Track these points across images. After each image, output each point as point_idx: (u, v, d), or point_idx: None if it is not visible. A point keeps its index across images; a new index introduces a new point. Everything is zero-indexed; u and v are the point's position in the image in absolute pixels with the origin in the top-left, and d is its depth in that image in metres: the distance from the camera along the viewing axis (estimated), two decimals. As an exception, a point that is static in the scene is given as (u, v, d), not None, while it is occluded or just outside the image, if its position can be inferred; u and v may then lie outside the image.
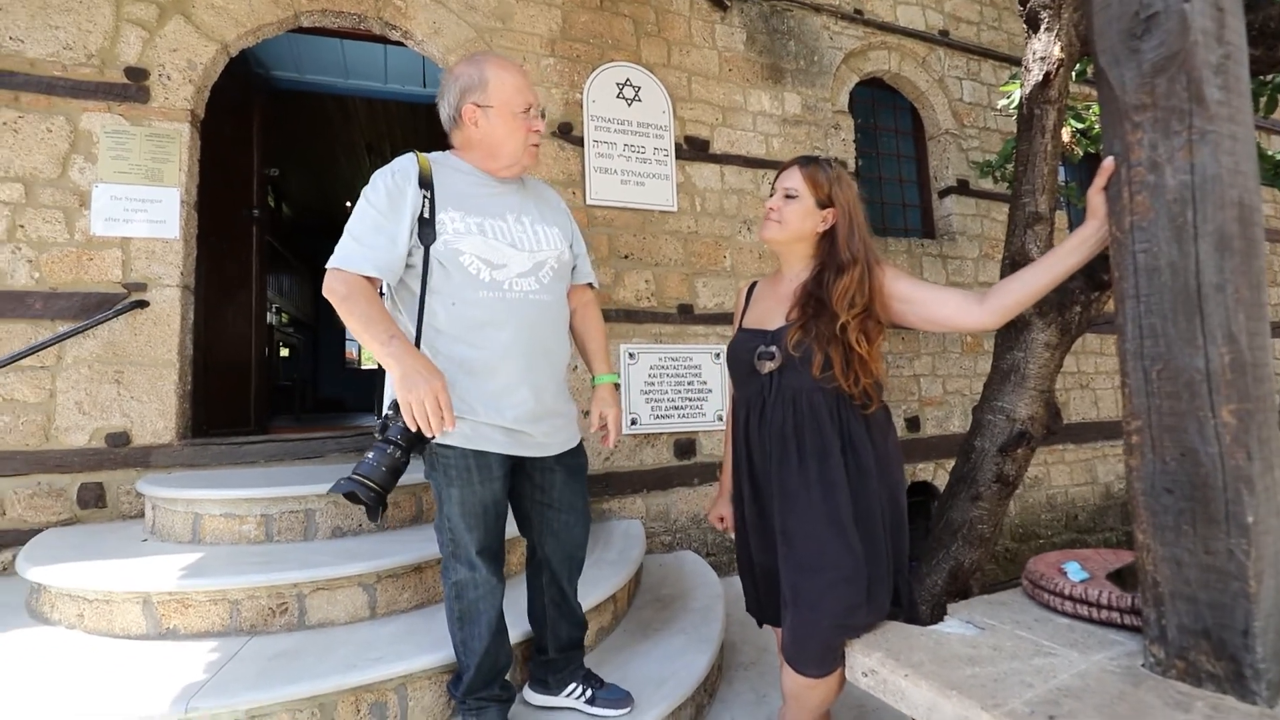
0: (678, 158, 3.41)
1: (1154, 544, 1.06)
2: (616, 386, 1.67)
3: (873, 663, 1.21)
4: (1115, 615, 1.23)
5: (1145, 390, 1.07)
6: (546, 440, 1.49)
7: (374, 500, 1.24)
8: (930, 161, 4.23)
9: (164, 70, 2.63)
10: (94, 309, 2.46)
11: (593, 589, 2.08)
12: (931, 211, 4.23)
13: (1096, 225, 1.19)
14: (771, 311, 1.54)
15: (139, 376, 2.52)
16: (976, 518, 2.89)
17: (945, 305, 1.40)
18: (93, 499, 2.42)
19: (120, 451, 2.46)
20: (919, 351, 3.87)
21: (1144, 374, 1.07)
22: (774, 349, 1.46)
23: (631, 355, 3.22)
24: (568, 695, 1.60)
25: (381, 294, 1.40)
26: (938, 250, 3.99)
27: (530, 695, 1.65)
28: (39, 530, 2.33)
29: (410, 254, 1.38)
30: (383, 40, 3.13)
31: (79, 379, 2.45)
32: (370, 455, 1.27)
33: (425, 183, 1.39)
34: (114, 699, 1.42)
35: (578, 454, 1.61)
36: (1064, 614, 1.31)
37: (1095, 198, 1.17)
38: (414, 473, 2.29)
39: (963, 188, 4.11)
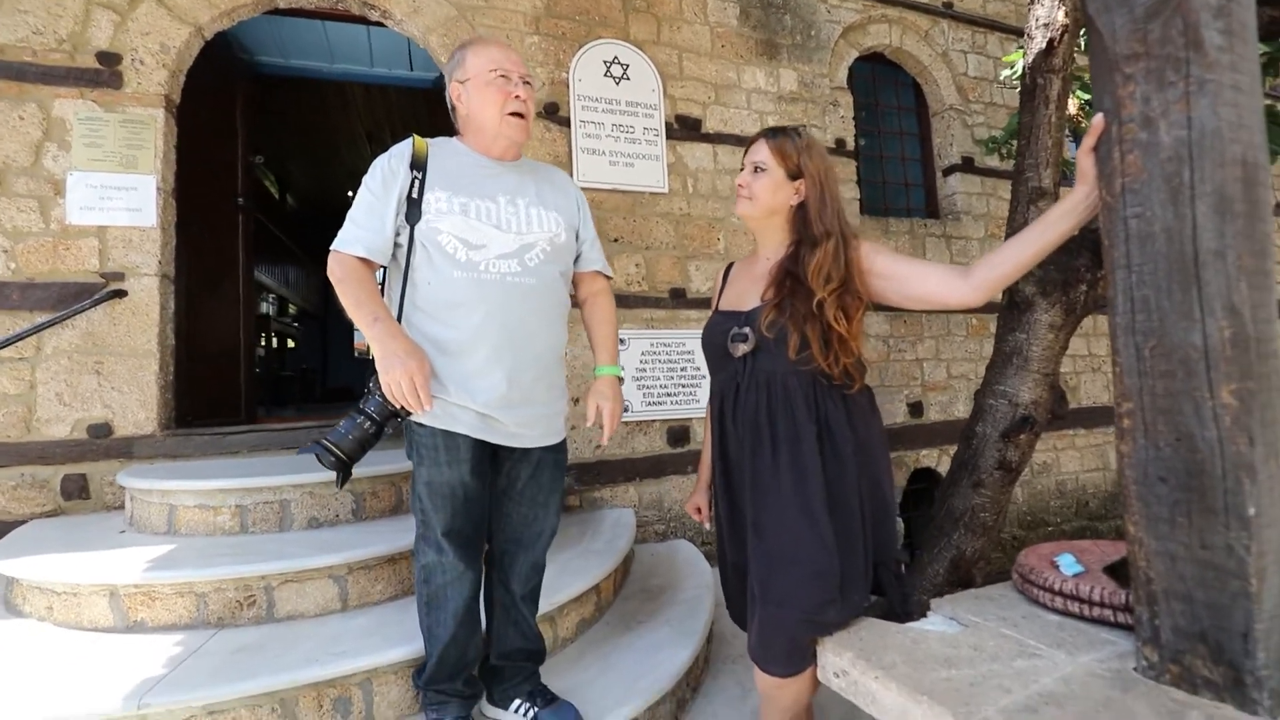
0: (668, 138, 3.31)
1: (1146, 537, 0.97)
2: (620, 380, 1.58)
3: (844, 663, 1.14)
4: (1108, 613, 1.15)
5: (1137, 369, 0.98)
6: (520, 431, 1.43)
7: (335, 466, 1.27)
8: (934, 139, 4.08)
9: (137, 55, 2.58)
10: (72, 299, 2.43)
11: (575, 578, 2.03)
12: (935, 190, 4.08)
13: (1086, 190, 1.09)
14: (747, 292, 1.47)
15: (119, 367, 2.49)
16: (979, 505, 2.80)
17: (927, 280, 1.31)
18: (76, 490, 2.41)
19: (102, 442, 2.44)
20: (921, 335, 3.75)
21: (1136, 351, 0.98)
22: (747, 330, 1.38)
23: (622, 341, 3.14)
24: (515, 711, 1.52)
25: (382, 277, 1.43)
26: (941, 230, 3.86)
27: (484, 706, 1.59)
28: (23, 521, 2.31)
29: (398, 233, 1.39)
30: (363, 21, 3.05)
31: (59, 370, 2.42)
32: (342, 424, 1.30)
33: (418, 164, 1.40)
34: (69, 694, 1.39)
35: (555, 450, 1.54)
36: (1054, 611, 1.23)
37: (1084, 159, 1.07)
38: (397, 462, 2.29)
39: (968, 165, 3.97)
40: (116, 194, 2.53)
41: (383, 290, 1.42)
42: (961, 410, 3.76)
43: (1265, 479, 0.88)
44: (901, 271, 1.35)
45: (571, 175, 3.11)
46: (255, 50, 3.68)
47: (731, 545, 1.44)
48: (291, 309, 10.07)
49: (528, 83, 1.46)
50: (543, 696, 1.52)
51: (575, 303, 1.66)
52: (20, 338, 2.35)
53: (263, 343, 5.61)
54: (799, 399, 1.32)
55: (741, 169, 1.49)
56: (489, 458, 1.45)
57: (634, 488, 3.11)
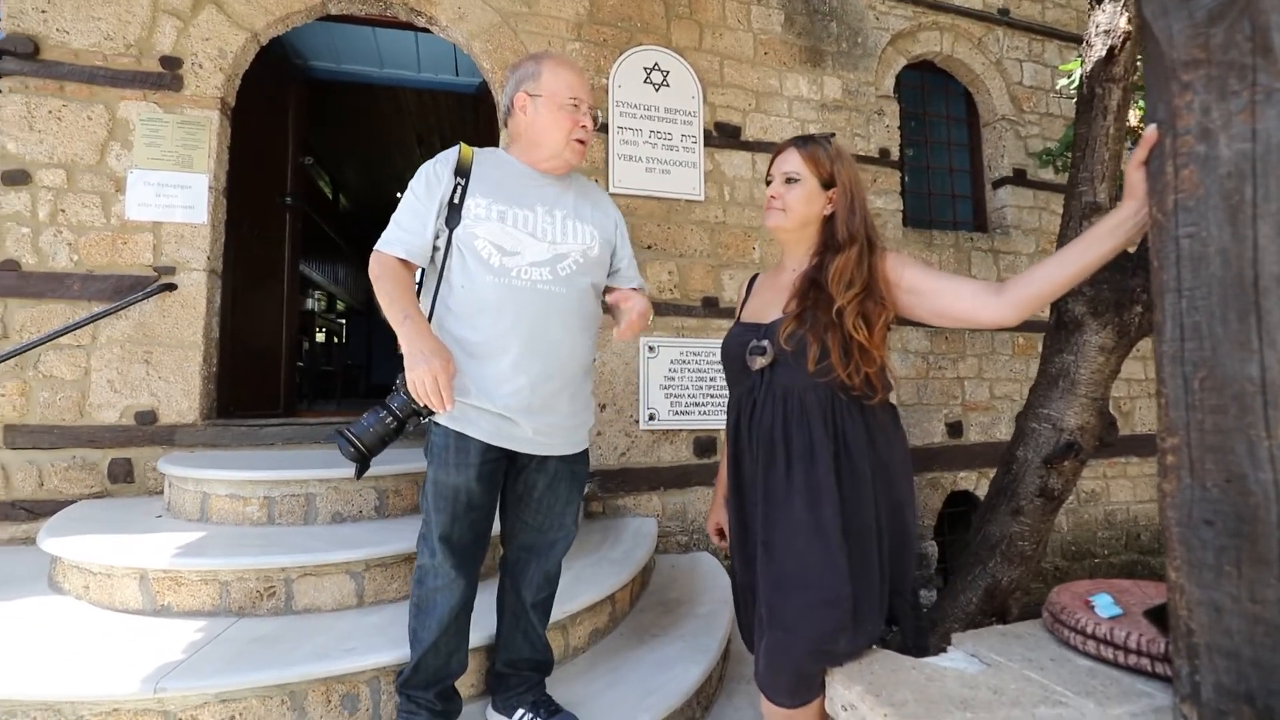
0: (706, 145, 3.28)
1: (1189, 584, 0.89)
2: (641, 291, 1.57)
3: (853, 696, 1.08)
4: (1145, 662, 1.06)
5: (1185, 402, 0.90)
6: (537, 438, 1.43)
7: (354, 457, 1.29)
8: (984, 150, 3.93)
9: (196, 59, 2.70)
10: (126, 291, 2.55)
11: (589, 587, 2.01)
12: (984, 203, 3.93)
13: (1135, 206, 1.01)
14: (769, 304, 1.43)
15: (166, 357, 2.60)
16: (1017, 533, 2.67)
17: (959, 297, 1.25)
18: (122, 474, 2.52)
19: (147, 429, 2.55)
20: (964, 352, 3.61)
21: (1184, 382, 0.90)
22: (766, 344, 1.34)
23: (651, 349, 3.13)
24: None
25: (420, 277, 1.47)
26: (989, 244, 3.71)
27: (489, 712, 1.59)
28: (73, 501, 2.43)
29: (437, 236, 1.42)
30: (410, 26, 3.13)
31: (111, 358, 2.55)
32: (365, 417, 1.32)
33: (463, 171, 1.44)
34: (93, 674, 1.44)
35: (574, 461, 1.53)
36: (1086, 655, 1.15)
37: (1134, 174, 1.00)
38: (422, 461, 2.31)
39: (1019, 178, 3.81)
40: (172, 192, 2.65)
41: (419, 290, 1.45)
42: (1004, 432, 3.59)
43: (1328, 529, 0.79)
44: (932, 286, 1.29)
45: (608, 182, 3.12)
46: (309, 55, 3.82)
47: (741, 565, 1.39)
48: (340, 305, 10.41)
49: (591, 112, 1.49)
50: (546, 708, 1.51)
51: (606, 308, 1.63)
52: (79, 326, 2.47)
53: (311, 338, 5.78)
54: (816, 415, 1.27)
55: (769, 180, 1.45)
56: (505, 466, 1.45)
57: (658, 497, 3.07)
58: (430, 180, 1.42)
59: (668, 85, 3.25)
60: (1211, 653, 0.86)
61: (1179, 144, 0.92)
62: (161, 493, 2.42)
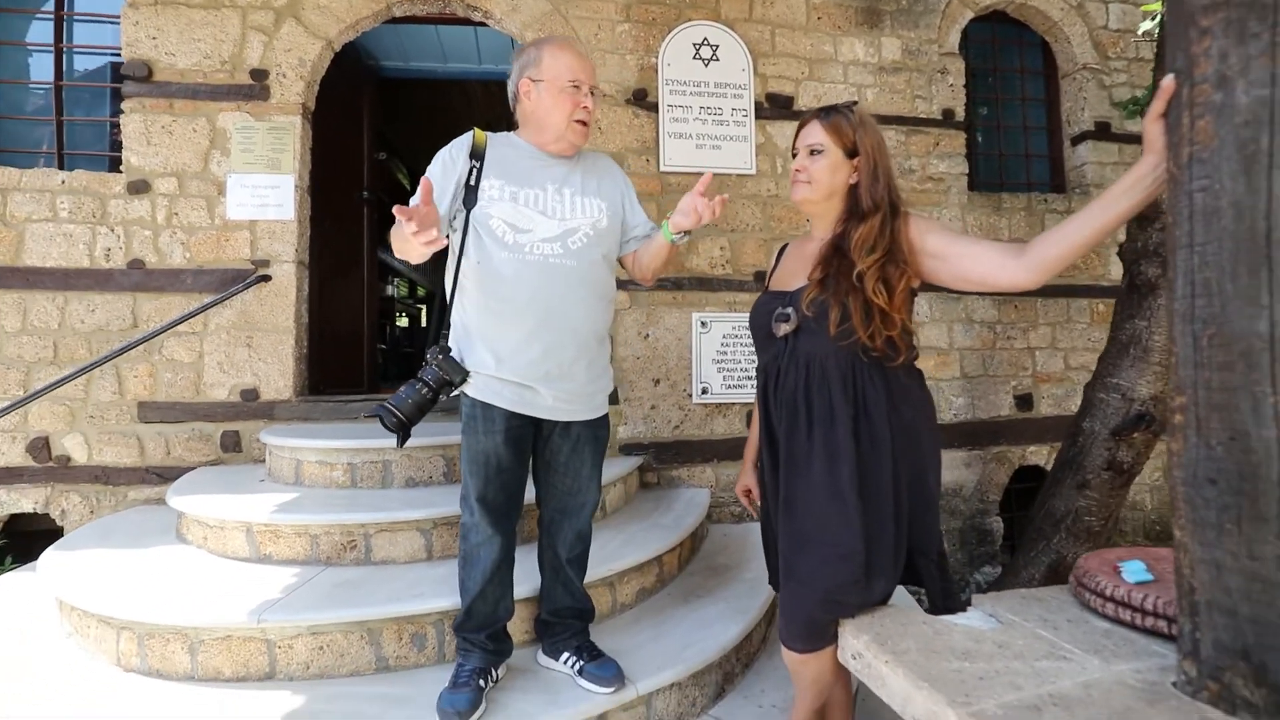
0: (758, 117, 3.26)
1: (1192, 543, 0.89)
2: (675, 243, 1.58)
3: (860, 645, 1.14)
4: (1162, 624, 1.05)
5: (1194, 360, 0.89)
6: (557, 405, 1.53)
7: (395, 426, 1.45)
8: (1063, 104, 3.66)
9: (280, 69, 2.97)
10: (230, 282, 2.88)
11: (637, 549, 2.14)
12: (1062, 162, 3.68)
13: (1154, 161, 0.99)
14: (795, 273, 1.47)
15: (264, 341, 2.92)
16: (1083, 508, 2.58)
17: (980, 260, 1.25)
18: (231, 444, 2.87)
19: (251, 405, 2.88)
20: (1035, 321, 3.43)
21: (1193, 339, 0.89)
22: (790, 310, 1.39)
23: (704, 324, 3.18)
24: (563, 663, 1.66)
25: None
26: (1065, 206, 3.48)
27: (539, 655, 1.74)
28: (193, 467, 2.80)
29: (455, 217, 1.53)
30: (468, 22, 3.28)
31: (220, 343, 2.89)
32: (403, 389, 1.47)
33: (477, 154, 1.54)
34: (210, 606, 1.71)
35: (595, 426, 1.63)
36: (1105, 617, 1.15)
37: (1152, 127, 0.98)
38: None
39: (1102, 132, 3.53)
40: (264, 192, 2.94)
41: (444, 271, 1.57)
42: (1078, 405, 3.40)
43: (1333, 486, 0.77)
44: (954, 250, 1.29)
45: (658, 161, 3.18)
46: (380, 56, 4.06)
47: (777, 521, 1.46)
48: (421, 291, 11.01)
49: (594, 91, 1.55)
50: (589, 652, 1.64)
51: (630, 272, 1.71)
52: (194, 315, 2.82)
53: (393, 322, 6.20)
54: (836, 381, 1.31)
55: (794, 154, 1.48)
56: (531, 432, 1.56)
57: (711, 469, 3.15)
58: (446, 163, 1.52)
59: (717, 59, 3.24)
60: (1211, 610, 0.86)
61: (1195, 93, 0.90)
62: (264, 460, 2.74)
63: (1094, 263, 3.54)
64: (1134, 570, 1.21)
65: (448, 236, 1.53)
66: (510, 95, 1.62)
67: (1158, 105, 0.95)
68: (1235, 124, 0.85)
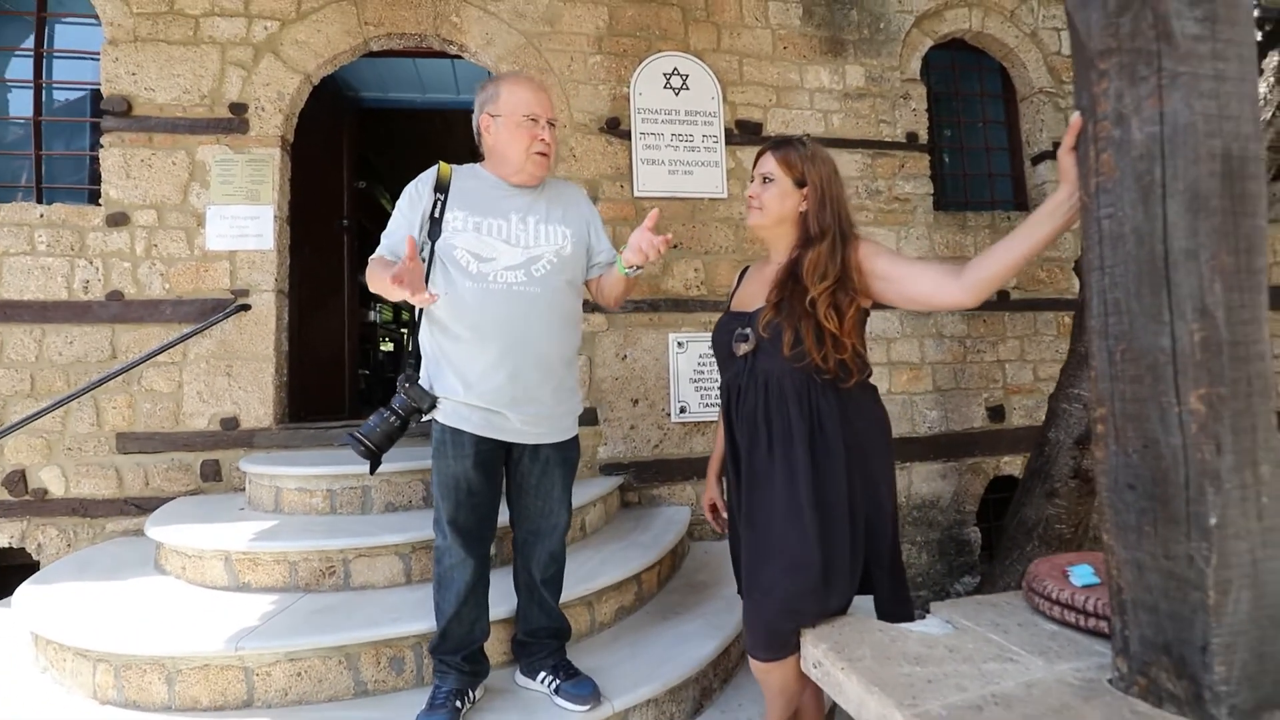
0: (728, 143, 3.36)
1: (1117, 545, 0.95)
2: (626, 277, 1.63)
3: (819, 654, 1.18)
4: (1104, 624, 1.11)
5: (1109, 374, 0.96)
6: (525, 428, 1.57)
7: (365, 454, 1.49)
8: (1022, 125, 3.81)
9: (259, 103, 3.03)
10: (210, 312, 2.90)
11: (615, 568, 2.16)
12: (1024, 180, 3.82)
13: (1069, 190, 1.07)
14: (755, 294, 1.53)
15: (244, 370, 2.93)
16: (1053, 516, 2.65)
17: (921, 281, 1.32)
18: (211, 473, 2.87)
19: (231, 434, 2.89)
20: (1004, 335, 3.53)
21: (1108, 355, 0.96)
22: (748, 331, 1.45)
23: (680, 344, 3.24)
24: (540, 682, 1.68)
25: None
26: (1027, 223, 3.60)
27: (517, 675, 1.76)
28: (172, 497, 2.79)
29: (422, 248, 1.56)
30: (444, 55, 3.37)
31: (199, 372, 2.90)
32: (373, 418, 1.51)
33: (442, 187, 1.59)
34: (187, 636, 1.71)
35: (564, 448, 1.67)
36: (1053, 620, 1.20)
37: (1065, 159, 1.06)
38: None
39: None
40: (244, 223, 2.98)
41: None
42: (1049, 415, 3.49)
43: (1234, 488, 0.84)
44: (899, 273, 1.36)
45: (632, 187, 3.26)
46: (359, 87, 4.14)
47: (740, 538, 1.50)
48: (405, 316, 11.01)
49: (552, 124, 1.61)
50: (565, 670, 1.67)
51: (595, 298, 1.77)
52: (172, 345, 2.83)
53: (376, 348, 6.21)
54: (792, 397, 1.37)
55: (751, 181, 1.55)
56: (501, 456, 1.60)
57: (691, 487, 3.19)
58: (413, 196, 1.58)
59: (687, 88, 3.35)
60: (1136, 608, 0.92)
61: (1098, 129, 0.98)
62: (244, 489, 2.74)
63: (1058, 277, 3.66)
64: (1082, 574, 1.27)
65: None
66: (474, 130, 1.67)
67: (1068, 140, 1.04)
68: (1132, 157, 0.93)
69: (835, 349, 1.35)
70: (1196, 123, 0.88)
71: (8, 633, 2.13)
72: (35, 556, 2.77)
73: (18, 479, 2.77)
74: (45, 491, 2.79)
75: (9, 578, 2.49)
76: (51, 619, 1.86)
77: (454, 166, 1.63)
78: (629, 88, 3.30)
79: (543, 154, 1.60)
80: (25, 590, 2.11)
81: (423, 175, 1.61)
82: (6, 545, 2.77)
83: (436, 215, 1.55)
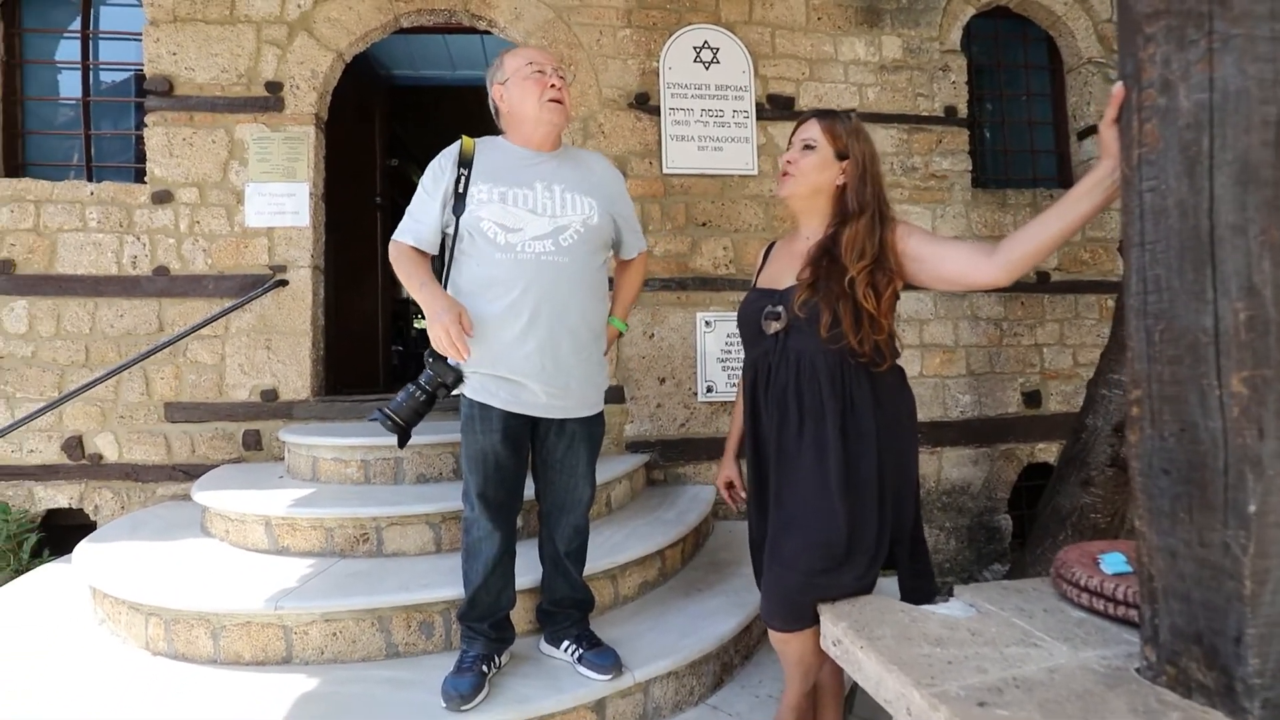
0: (759, 118, 3.29)
1: (1149, 532, 0.92)
2: (620, 334, 1.83)
3: (839, 632, 1.19)
4: (1134, 613, 1.08)
5: (1147, 354, 0.92)
6: (551, 401, 1.57)
7: (393, 429, 1.52)
8: (1068, 98, 3.64)
9: (294, 81, 3.07)
10: (250, 287, 2.99)
11: (639, 543, 2.20)
12: (1069, 157, 3.66)
13: (1110, 165, 1.02)
14: (784, 271, 1.51)
15: (282, 343, 3.03)
16: (1088, 505, 2.59)
17: (955, 260, 1.29)
18: (253, 442, 2.98)
19: (270, 405, 2.99)
20: (1043, 318, 3.42)
21: (1146, 335, 0.93)
22: (780, 309, 1.43)
23: (708, 323, 3.23)
24: (564, 651, 1.72)
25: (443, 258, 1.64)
26: (1072, 200, 3.46)
27: (541, 643, 1.80)
28: (216, 465, 2.92)
29: (448, 224, 1.58)
30: (473, 30, 3.36)
31: (240, 345, 3.01)
32: (400, 394, 1.53)
33: (465, 162, 1.59)
34: (231, 595, 1.81)
35: (590, 423, 1.68)
36: (1080, 606, 1.18)
37: (1107, 133, 1.01)
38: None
39: (1110, 125, 3.50)
40: (281, 200, 3.05)
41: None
42: (1087, 401, 3.38)
43: (1276, 474, 0.81)
44: (931, 252, 1.33)
45: (661, 164, 3.23)
46: (391, 65, 4.18)
47: (757, 518, 1.51)
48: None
49: (561, 75, 1.60)
50: (588, 640, 1.71)
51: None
52: (216, 319, 2.93)
53: (409, 324, 6.33)
54: (825, 378, 1.36)
55: (788, 147, 1.52)
56: (528, 431, 1.62)
57: (716, 466, 3.16)
58: (436, 174, 1.58)
59: (718, 62, 3.29)
60: (1168, 596, 0.90)
61: (1143, 98, 0.93)
62: (283, 458, 2.85)
63: (1102, 258, 3.52)
64: (1114, 562, 1.24)
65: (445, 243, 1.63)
66: (492, 111, 1.69)
67: (1110, 111, 0.99)
68: (1179, 127, 0.88)
69: (873, 330, 1.33)
70: (1250, 88, 0.83)
71: (69, 586, 2.27)
72: (93, 517, 2.93)
73: (75, 444, 2.92)
74: (100, 456, 2.94)
75: (69, 536, 2.64)
76: (108, 575, 1.98)
77: (477, 140, 1.63)
78: (658, 62, 3.25)
79: (556, 100, 1.58)
80: (84, 548, 2.24)
81: (445, 151, 1.61)
82: (66, 505, 2.94)
83: (461, 190, 1.55)
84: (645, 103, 3.24)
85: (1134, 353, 0.94)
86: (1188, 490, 0.87)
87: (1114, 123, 0.99)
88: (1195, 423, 0.86)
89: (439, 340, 1.44)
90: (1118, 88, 0.97)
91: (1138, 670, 0.95)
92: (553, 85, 1.57)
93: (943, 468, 3.32)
